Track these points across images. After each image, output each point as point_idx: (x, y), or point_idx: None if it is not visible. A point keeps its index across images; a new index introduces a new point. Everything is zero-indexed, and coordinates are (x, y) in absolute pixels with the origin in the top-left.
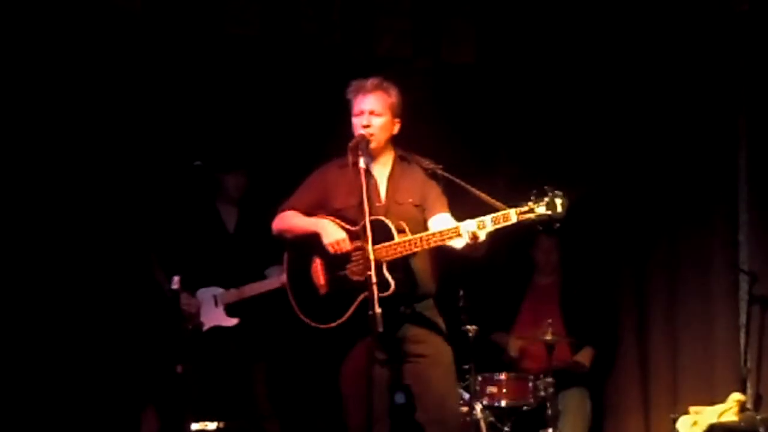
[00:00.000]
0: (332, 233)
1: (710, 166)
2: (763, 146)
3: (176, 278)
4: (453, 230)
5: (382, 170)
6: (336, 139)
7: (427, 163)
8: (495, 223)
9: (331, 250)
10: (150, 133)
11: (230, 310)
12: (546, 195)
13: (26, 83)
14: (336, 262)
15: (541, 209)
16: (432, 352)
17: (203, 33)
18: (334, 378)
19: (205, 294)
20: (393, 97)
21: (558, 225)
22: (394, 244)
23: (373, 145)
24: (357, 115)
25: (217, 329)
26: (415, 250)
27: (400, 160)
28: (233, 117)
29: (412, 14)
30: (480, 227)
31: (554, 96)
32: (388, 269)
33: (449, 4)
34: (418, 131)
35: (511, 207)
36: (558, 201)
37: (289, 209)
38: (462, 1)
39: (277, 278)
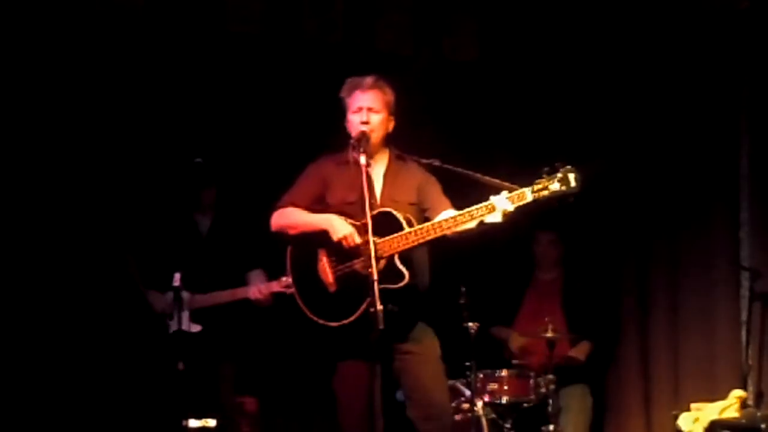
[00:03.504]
0: (341, 228)
1: (711, 164)
2: (764, 144)
3: (177, 275)
4: (487, 206)
5: (377, 169)
6: (336, 136)
7: (425, 162)
8: (512, 202)
9: (343, 244)
10: (147, 133)
11: (194, 317)
12: (558, 171)
13: (26, 81)
14: (344, 258)
15: (555, 186)
16: (419, 348)
17: (205, 31)
18: (326, 378)
19: (171, 296)
20: (388, 95)
21: (572, 200)
22: (407, 233)
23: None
24: (355, 111)
25: (180, 333)
26: (429, 238)
27: (395, 158)
28: (234, 115)
29: (414, 11)
30: (514, 201)
31: (556, 94)
32: (401, 261)
33: (450, 1)
34: (419, 128)
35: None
36: (571, 176)
37: (289, 205)
38: None
39: (243, 289)
